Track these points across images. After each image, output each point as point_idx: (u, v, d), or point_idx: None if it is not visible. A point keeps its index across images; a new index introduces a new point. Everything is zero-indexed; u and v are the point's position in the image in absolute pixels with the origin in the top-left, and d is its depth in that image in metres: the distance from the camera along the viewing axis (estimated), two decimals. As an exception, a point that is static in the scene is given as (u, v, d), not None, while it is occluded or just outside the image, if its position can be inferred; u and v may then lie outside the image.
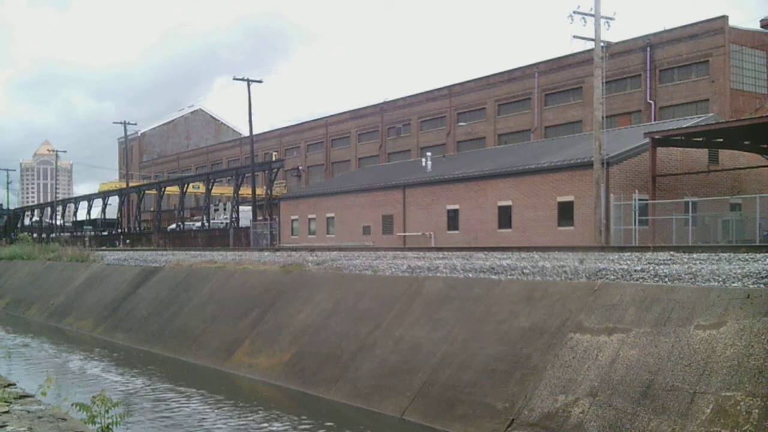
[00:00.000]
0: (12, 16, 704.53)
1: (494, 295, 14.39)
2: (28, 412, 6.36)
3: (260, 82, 56.96)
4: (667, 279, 12.78)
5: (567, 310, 12.60)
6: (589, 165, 33.64)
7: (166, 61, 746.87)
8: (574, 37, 33.21)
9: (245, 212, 61.14)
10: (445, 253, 23.64)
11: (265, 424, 13.34)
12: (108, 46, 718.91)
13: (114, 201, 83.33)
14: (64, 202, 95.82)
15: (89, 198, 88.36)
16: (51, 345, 24.63)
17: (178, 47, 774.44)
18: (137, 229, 76.52)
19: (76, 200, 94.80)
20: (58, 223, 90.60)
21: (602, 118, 32.44)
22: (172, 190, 76.56)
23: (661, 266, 14.25)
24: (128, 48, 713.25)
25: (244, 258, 27.57)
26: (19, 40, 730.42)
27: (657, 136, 34.27)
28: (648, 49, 51.63)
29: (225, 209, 70.51)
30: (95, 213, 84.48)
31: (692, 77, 49.94)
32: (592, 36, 32.84)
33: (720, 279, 12.14)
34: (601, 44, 33.04)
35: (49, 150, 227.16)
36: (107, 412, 7.10)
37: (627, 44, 51.29)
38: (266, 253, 30.26)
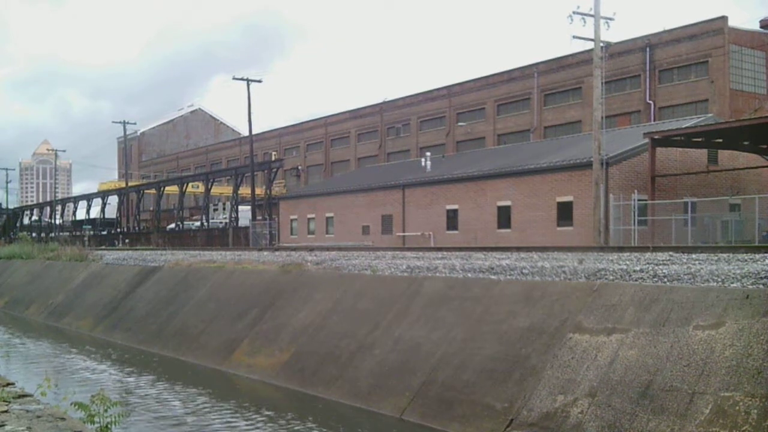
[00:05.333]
0: (7, 14, 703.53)
1: (493, 295, 14.39)
2: (27, 411, 6.35)
3: (259, 81, 56.85)
4: (666, 279, 12.78)
5: (566, 310, 12.60)
6: (588, 165, 33.64)
7: (163, 59, 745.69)
8: (574, 37, 33.19)
9: (244, 212, 61.10)
10: (445, 253, 23.62)
11: (264, 424, 13.33)
12: (104, 45, 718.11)
13: (113, 200, 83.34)
14: (64, 202, 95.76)
15: (88, 197, 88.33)
16: (50, 344, 24.62)
17: (175, 46, 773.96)
18: (136, 228, 76.46)
19: (75, 200, 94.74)
20: (58, 222, 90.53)
21: (602, 118, 32.42)
22: (172, 189, 76.55)
23: (661, 266, 14.24)
24: (124, 46, 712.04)
25: (243, 258, 27.56)
26: (14, 38, 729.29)
27: (656, 137, 34.27)
28: (647, 49, 51.63)
29: (224, 209, 70.51)
30: (94, 212, 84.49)
31: (692, 77, 49.94)
32: (592, 36, 32.83)
33: (719, 279, 12.13)
34: (601, 44, 33.01)
35: (48, 149, 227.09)
36: (106, 411, 7.10)
37: (627, 44, 51.30)
38: (265, 253, 30.25)
